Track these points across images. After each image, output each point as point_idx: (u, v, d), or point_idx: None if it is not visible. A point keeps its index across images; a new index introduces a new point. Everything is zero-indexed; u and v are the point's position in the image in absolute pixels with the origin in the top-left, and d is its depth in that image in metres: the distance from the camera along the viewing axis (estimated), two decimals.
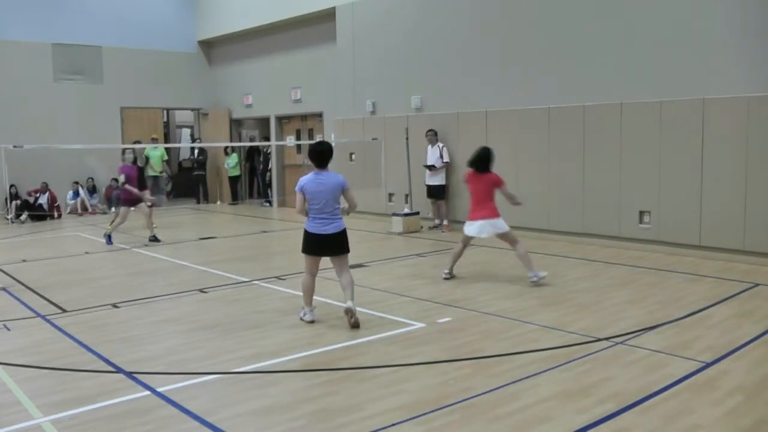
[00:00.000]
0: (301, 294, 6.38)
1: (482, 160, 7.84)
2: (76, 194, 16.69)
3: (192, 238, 12.29)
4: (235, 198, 18.81)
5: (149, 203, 11.89)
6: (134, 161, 11.60)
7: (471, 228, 7.81)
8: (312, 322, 6.25)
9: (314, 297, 6.29)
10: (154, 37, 18.33)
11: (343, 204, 6.28)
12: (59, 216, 15.84)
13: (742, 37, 8.70)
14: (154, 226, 11.89)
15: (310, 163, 6.36)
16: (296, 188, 6.16)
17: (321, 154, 6.13)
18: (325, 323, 6.31)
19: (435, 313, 6.54)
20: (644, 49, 9.63)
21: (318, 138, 16.25)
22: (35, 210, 15.48)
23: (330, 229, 6.10)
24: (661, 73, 9.47)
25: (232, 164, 18.39)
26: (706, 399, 4.32)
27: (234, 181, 18.66)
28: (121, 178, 11.42)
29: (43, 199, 15.79)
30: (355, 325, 6.04)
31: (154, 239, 11.60)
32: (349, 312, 6.05)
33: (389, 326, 6.13)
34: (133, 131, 18.00)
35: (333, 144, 14.93)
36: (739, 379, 4.67)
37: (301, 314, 6.37)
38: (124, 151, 12.02)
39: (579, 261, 9.14)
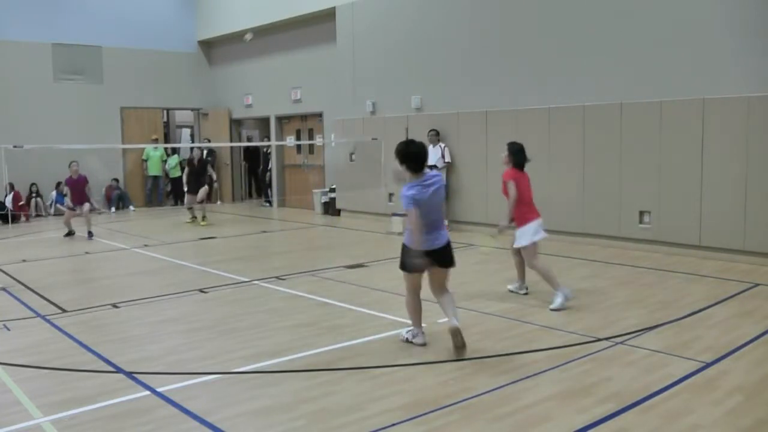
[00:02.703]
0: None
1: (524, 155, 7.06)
2: (60, 195, 16.49)
3: (192, 238, 12.28)
4: (178, 200, 17.98)
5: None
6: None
7: (535, 229, 6.88)
8: (424, 344, 5.52)
9: (315, 297, 6.28)
10: (154, 37, 18.33)
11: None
12: (27, 218, 15.37)
13: (742, 37, 8.70)
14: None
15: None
16: (407, 205, 5.18)
17: (417, 156, 5.32)
18: (324, 324, 6.31)
19: (435, 313, 6.50)
20: (644, 49, 9.62)
21: (318, 138, 16.25)
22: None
23: (441, 242, 5.36)
24: (661, 73, 9.47)
25: (172, 164, 18.14)
26: (706, 399, 4.32)
27: (176, 181, 18.00)
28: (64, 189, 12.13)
29: (8, 201, 15.27)
30: (461, 346, 5.24)
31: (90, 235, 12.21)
32: (455, 331, 5.23)
33: (389, 326, 6.12)
34: (133, 131, 18.01)
35: (333, 144, 15.14)
36: (739, 379, 4.67)
37: (408, 336, 5.62)
38: (70, 164, 12.48)
39: (579, 261, 9.13)
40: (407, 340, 5.60)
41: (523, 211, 6.82)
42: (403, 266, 5.45)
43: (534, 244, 6.82)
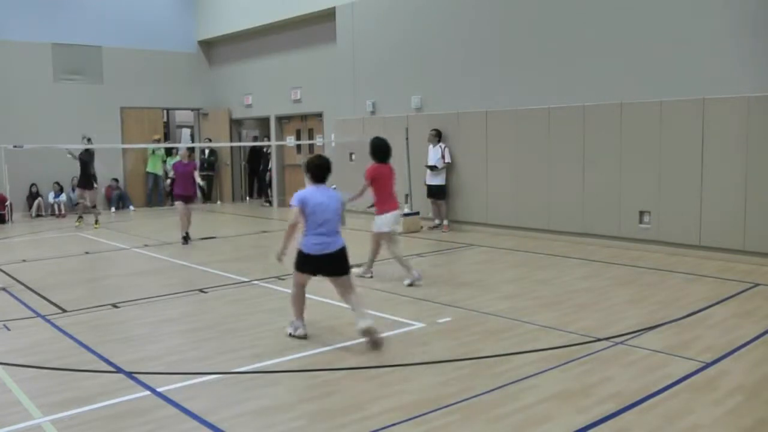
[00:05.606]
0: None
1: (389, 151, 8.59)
2: (58, 195, 16.48)
3: (192, 238, 12.28)
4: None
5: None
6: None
7: (392, 219, 8.34)
8: (305, 336, 5.76)
9: (315, 297, 6.26)
10: (154, 37, 18.34)
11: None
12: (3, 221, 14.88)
13: (742, 37, 8.70)
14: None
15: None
16: (294, 202, 5.69)
17: (320, 168, 5.77)
18: (324, 324, 6.31)
19: (435, 313, 6.54)
20: (644, 49, 9.62)
21: (318, 138, 16.28)
22: None
23: (331, 248, 5.67)
24: (661, 73, 9.47)
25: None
26: (706, 399, 4.32)
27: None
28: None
29: None
30: (379, 345, 5.44)
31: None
32: (370, 332, 5.43)
33: (389, 326, 6.11)
34: (133, 131, 18.01)
35: (333, 144, 15.15)
36: (739, 379, 4.67)
37: (290, 330, 5.86)
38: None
39: (579, 261, 9.13)
40: (290, 335, 5.80)
41: None
42: (297, 267, 5.84)
43: None
